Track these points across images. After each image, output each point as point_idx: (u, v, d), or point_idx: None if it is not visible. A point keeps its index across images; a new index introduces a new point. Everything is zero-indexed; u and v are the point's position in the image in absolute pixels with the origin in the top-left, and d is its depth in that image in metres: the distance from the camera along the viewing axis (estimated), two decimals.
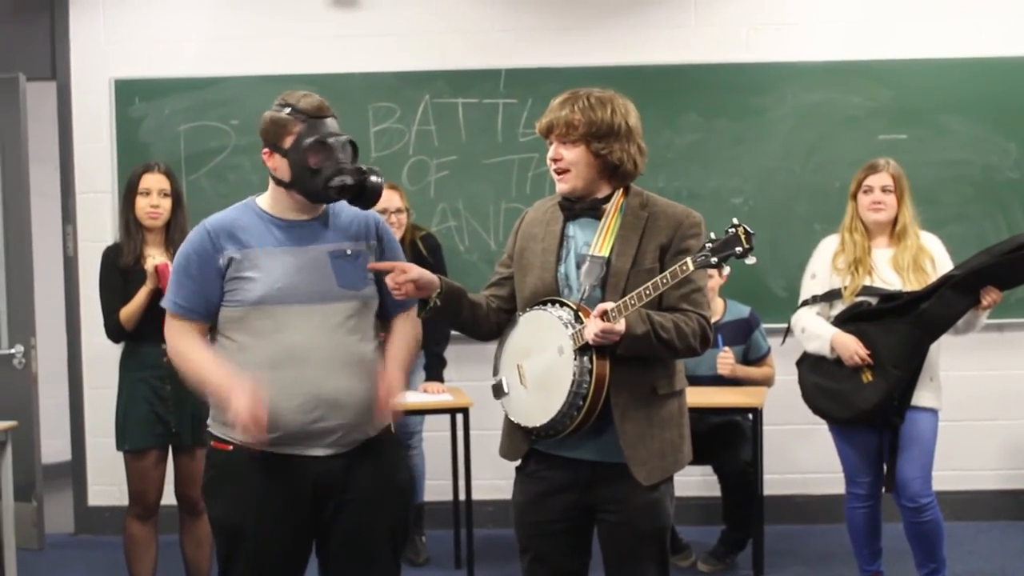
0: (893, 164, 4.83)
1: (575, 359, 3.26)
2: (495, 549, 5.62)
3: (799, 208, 6.31)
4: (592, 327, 3.19)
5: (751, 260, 3.17)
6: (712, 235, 3.20)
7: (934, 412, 4.75)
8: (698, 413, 5.25)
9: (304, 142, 3.25)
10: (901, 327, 4.61)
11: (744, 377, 5.58)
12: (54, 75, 6.50)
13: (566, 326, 3.28)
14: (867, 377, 4.65)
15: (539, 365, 3.36)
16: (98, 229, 6.34)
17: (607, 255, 3.32)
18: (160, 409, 4.76)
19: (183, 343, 3.36)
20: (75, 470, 6.58)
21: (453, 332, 4.98)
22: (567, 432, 3.31)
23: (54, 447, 6.76)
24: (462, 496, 5.52)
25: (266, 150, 3.33)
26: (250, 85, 6.38)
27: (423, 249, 5.67)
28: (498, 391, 3.47)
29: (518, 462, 3.49)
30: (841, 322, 4.72)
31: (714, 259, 3.16)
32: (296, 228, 3.34)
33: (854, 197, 4.85)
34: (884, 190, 4.78)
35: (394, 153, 6.40)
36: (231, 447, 3.33)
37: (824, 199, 6.16)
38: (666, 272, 3.19)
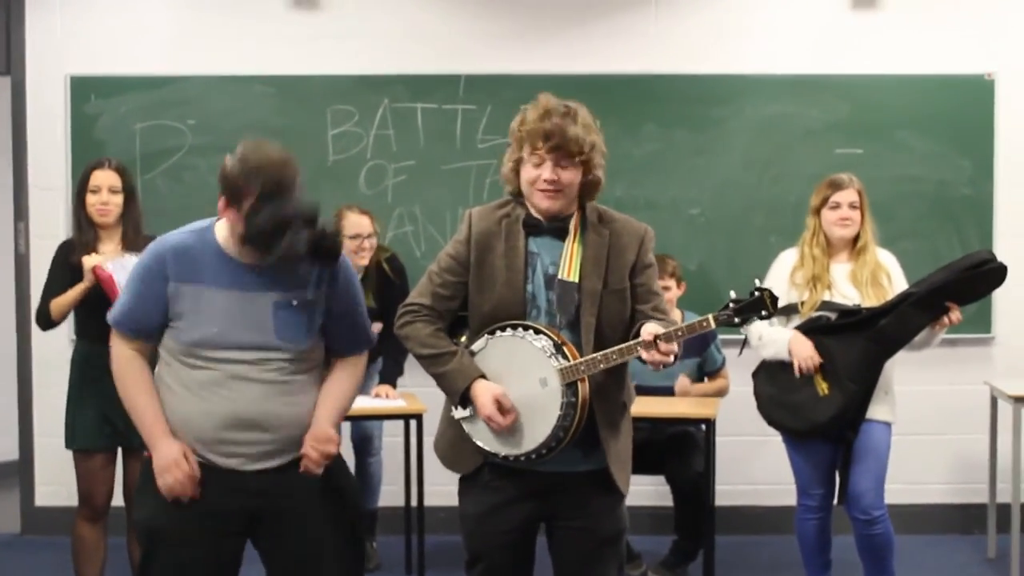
0: (857, 180, 4.85)
1: (563, 394, 3.25)
2: (445, 555, 5.60)
3: (756, 220, 6.34)
4: (654, 355, 3.18)
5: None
6: (734, 294, 3.33)
7: (888, 425, 4.77)
8: (651, 423, 5.29)
9: (262, 215, 3.13)
10: (859, 341, 4.63)
11: (700, 395, 5.60)
12: (8, 70, 6.44)
13: (551, 358, 3.25)
14: (823, 390, 4.66)
15: (517, 395, 3.31)
16: (50, 226, 6.27)
17: (577, 279, 3.31)
18: (109, 411, 4.68)
19: (122, 367, 3.35)
20: (22, 470, 6.50)
21: None
22: (542, 459, 3.30)
23: (1, 445, 6.67)
24: (414, 502, 5.50)
25: (222, 199, 3.21)
26: (208, 85, 6.35)
27: (388, 271, 5.70)
28: (463, 415, 3.40)
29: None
30: (781, 310, 4.70)
31: (736, 319, 3.29)
32: (247, 272, 3.26)
33: (817, 212, 4.86)
34: (851, 206, 4.79)
35: (352, 157, 6.37)
36: None
37: (780, 212, 6.19)
38: (678, 328, 3.23)
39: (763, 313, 3.31)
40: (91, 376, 4.72)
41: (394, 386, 5.65)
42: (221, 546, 3.32)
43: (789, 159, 6.35)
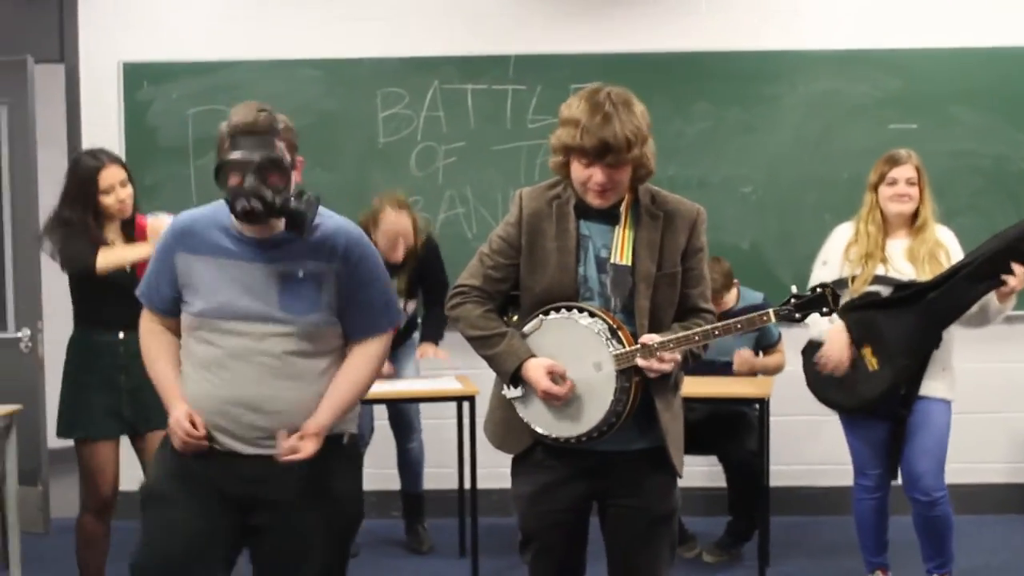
0: (915, 156, 4.78)
1: (616, 380, 3.24)
2: (499, 538, 5.61)
3: (808, 198, 6.29)
4: (651, 363, 3.20)
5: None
6: (795, 289, 3.35)
7: (947, 403, 4.71)
8: (705, 403, 5.27)
9: (221, 164, 3.17)
10: (909, 316, 4.58)
11: (761, 369, 5.59)
12: (62, 58, 6.49)
13: (606, 343, 3.24)
14: (872, 365, 4.62)
15: (570, 378, 3.30)
16: None
17: (630, 263, 3.30)
18: (114, 399, 4.59)
19: (145, 338, 3.45)
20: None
21: None
22: (593, 441, 3.30)
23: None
24: (467, 484, 5.52)
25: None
26: (259, 69, 6.38)
27: (423, 255, 5.74)
28: (517, 395, 3.39)
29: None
30: (850, 309, 4.67)
31: (797, 315, 3.32)
32: (250, 243, 3.25)
33: (874, 188, 4.80)
34: (909, 182, 4.73)
35: (402, 139, 6.38)
36: None
37: (833, 189, 6.13)
38: (737, 321, 3.29)
39: (824, 310, 3.32)
40: (93, 363, 4.61)
41: (437, 342, 5.68)
42: (215, 517, 3.28)
43: (841, 135, 6.29)
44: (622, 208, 3.32)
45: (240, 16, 6.45)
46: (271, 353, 3.23)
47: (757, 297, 5.69)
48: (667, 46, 6.35)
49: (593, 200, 3.29)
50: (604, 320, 3.26)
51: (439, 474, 5.99)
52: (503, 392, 3.41)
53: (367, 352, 3.37)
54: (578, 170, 3.26)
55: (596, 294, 3.33)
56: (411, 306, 5.75)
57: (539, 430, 3.36)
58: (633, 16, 6.41)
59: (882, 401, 4.64)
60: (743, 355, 5.58)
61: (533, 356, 3.31)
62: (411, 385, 5.60)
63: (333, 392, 3.31)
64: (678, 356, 3.25)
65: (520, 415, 3.39)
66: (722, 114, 6.36)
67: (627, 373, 3.24)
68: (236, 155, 3.13)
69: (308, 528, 3.30)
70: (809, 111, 6.33)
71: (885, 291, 4.68)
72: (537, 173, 6.27)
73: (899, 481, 4.78)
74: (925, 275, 4.64)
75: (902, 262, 4.71)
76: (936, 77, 6.29)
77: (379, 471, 5.94)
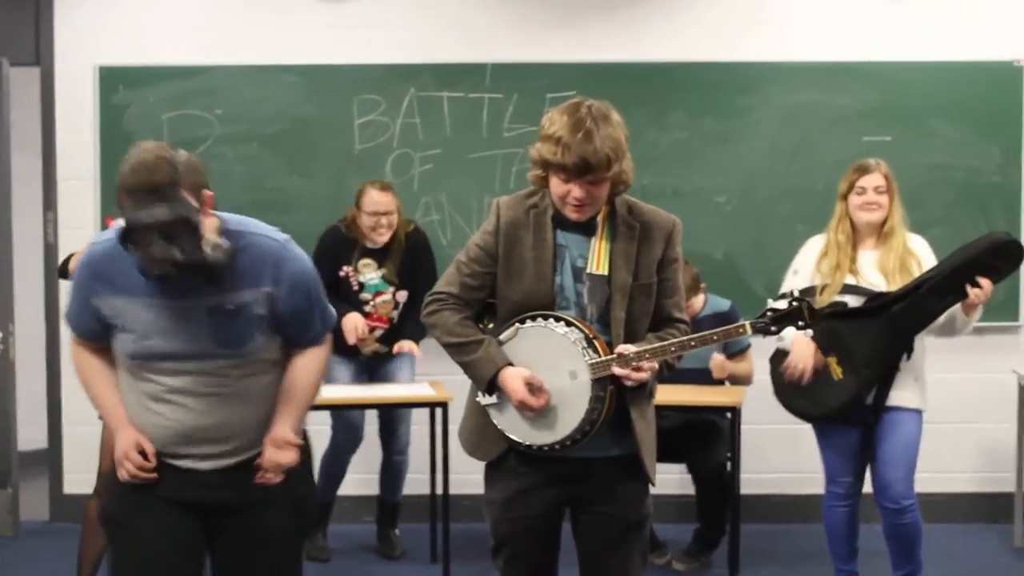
0: (884, 164, 4.82)
1: (591, 388, 3.26)
2: (471, 543, 5.61)
3: (783, 208, 6.32)
4: (628, 372, 3.22)
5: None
6: (771, 301, 3.39)
7: (918, 412, 4.75)
8: (676, 411, 5.29)
9: (127, 227, 2.98)
10: (874, 327, 4.62)
11: (732, 373, 5.61)
12: (38, 61, 6.47)
13: (582, 352, 3.25)
14: (837, 375, 4.65)
15: (545, 387, 3.31)
16: (79, 216, 6.31)
17: (607, 273, 3.32)
18: None
19: (79, 362, 3.31)
20: (51, 458, 6.55)
21: None
22: (567, 449, 3.31)
23: (31, 434, 6.71)
24: (440, 490, 5.52)
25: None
26: (236, 75, 6.38)
27: (409, 244, 5.78)
28: (492, 402, 3.39)
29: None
30: (820, 321, 4.68)
31: (773, 327, 3.35)
32: (174, 280, 3.05)
33: (844, 198, 4.84)
34: (877, 190, 4.76)
35: (378, 146, 6.39)
36: None
37: (808, 200, 6.16)
38: (713, 332, 3.32)
39: (800, 323, 3.34)
40: None
41: (417, 343, 5.70)
42: (177, 530, 3.23)
43: (817, 147, 6.33)
44: (599, 219, 3.34)
45: (218, 21, 6.45)
46: (215, 384, 3.16)
47: (724, 304, 5.72)
48: (643, 56, 6.38)
49: (571, 214, 3.30)
50: (580, 329, 3.28)
51: (412, 479, 5.99)
52: (478, 399, 3.42)
53: (313, 357, 3.33)
54: (557, 185, 3.27)
55: (572, 303, 3.34)
56: (401, 296, 5.75)
57: (513, 437, 3.37)
58: (610, 26, 6.43)
59: (847, 411, 4.67)
60: (718, 360, 5.60)
61: (510, 364, 3.32)
62: (383, 391, 5.61)
63: (290, 399, 3.28)
64: (655, 365, 3.28)
65: (494, 422, 3.40)
66: (697, 124, 6.38)
67: (602, 382, 3.26)
68: (139, 218, 2.93)
69: (271, 530, 3.28)
70: (784, 122, 6.36)
71: (854, 301, 4.70)
72: (513, 181, 6.28)
73: (869, 489, 4.81)
74: (896, 286, 4.67)
75: (873, 273, 4.74)
76: (912, 90, 6.33)
77: (354, 476, 5.95)
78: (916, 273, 4.70)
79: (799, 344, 4.64)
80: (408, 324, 5.74)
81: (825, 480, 4.91)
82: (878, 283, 4.71)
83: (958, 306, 4.60)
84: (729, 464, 5.43)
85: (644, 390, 3.36)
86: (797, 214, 6.18)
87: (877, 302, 4.64)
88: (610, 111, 3.26)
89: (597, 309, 3.32)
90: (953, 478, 6.44)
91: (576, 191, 3.24)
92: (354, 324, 5.58)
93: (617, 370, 3.23)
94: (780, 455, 6.33)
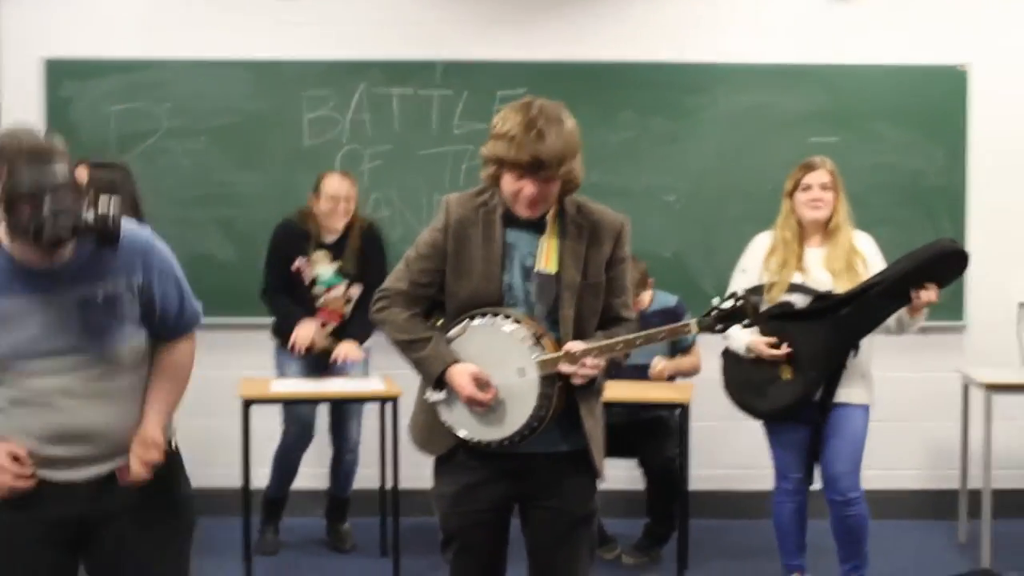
0: (829, 162, 4.88)
1: (539, 385, 3.27)
2: (420, 537, 5.61)
3: (731, 208, 6.36)
4: (576, 369, 3.25)
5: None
6: (716, 301, 3.38)
7: (865, 408, 4.81)
8: (625, 408, 5.32)
9: (10, 192, 2.83)
10: (821, 329, 4.67)
11: (674, 373, 5.64)
12: None
13: (530, 349, 3.27)
14: (786, 375, 4.71)
15: (493, 383, 3.32)
16: None
17: (556, 271, 3.33)
18: None
19: None
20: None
21: None
22: (515, 446, 3.33)
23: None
24: (389, 485, 5.52)
25: None
26: (184, 69, 6.35)
27: (366, 239, 5.77)
28: (440, 398, 3.39)
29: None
30: (765, 319, 4.74)
31: (719, 326, 3.38)
32: (42, 274, 2.97)
33: (790, 195, 4.88)
34: (823, 187, 4.81)
35: (328, 141, 6.38)
36: None
37: (756, 200, 6.19)
38: (660, 330, 3.37)
39: (745, 322, 3.39)
40: None
41: (360, 344, 5.68)
42: (50, 556, 3.08)
43: (764, 148, 6.37)
44: (548, 217, 3.35)
45: (166, 15, 6.40)
46: (86, 383, 3.03)
47: (671, 300, 5.75)
48: (593, 56, 6.41)
49: (523, 211, 3.31)
50: (528, 326, 3.29)
51: (362, 473, 5.97)
52: (427, 396, 3.42)
53: (180, 351, 3.22)
54: (509, 183, 3.28)
55: (521, 302, 3.35)
56: (355, 290, 5.72)
57: (462, 434, 3.38)
58: (561, 25, 6.45)
59: (794, 409, 4.73)
60: (658, 367, 5.63)
61: (458, 361, 3.33)
62: (334, 386, 5.59)
63: (158, 397, 3.16)
64: (602, 363, 3.30)
65: (443, 419, 3.40)
66: (646, 124, 6.42)
67: (550, 379, 3.27)
68: (26, 183, 2.82)
69: (153, 539, 3.16)
70: (732, 123, 6.41)
71: (802, 300, 4.75)
72: (462, 178, 6.29)
73: (817, 486, 4.86)
74: (843, 285, 4.72)
75: (819, 271, 4.78)
76: (857, 93, 6.41)
77: (305, 470, 5.93)
78: (862, 271, 4.75)
79: (756, 346, 4.73)
80: (356, 322, 5.72)
81: (775, 476, 4.96)
82: (825, 281, 4.76)
83: (904, 308, 4.67)
84: (678, 460, 5.46)
85: (592, 386, 3.38)
86: (745, 214, 6.20)
87: (824, 303, 4.69)
88: (562, 110, 3.28)
89: (546, 307, 3.34)
90: (900, 475, 6.52)
91: (528, 188, 3.25)
92: (303, 335, 5.57)
93: (565, 367, 3.25)
94: (729, 451, 6.38)
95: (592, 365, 3.27)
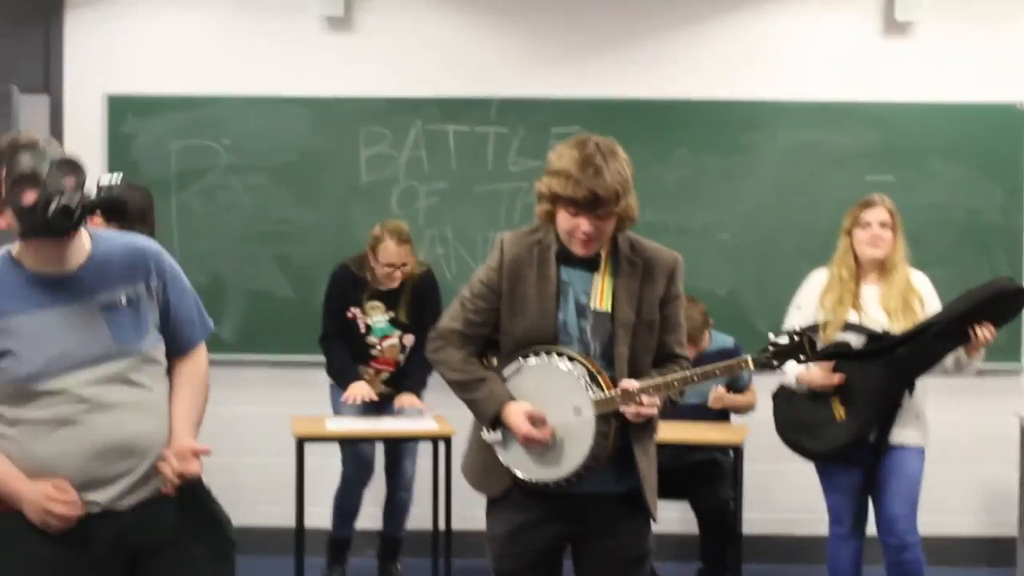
0: (888, 200, 4.86)
1: (596, 424, 3.27)
2: None
3: (786, 246, 6.34)
4: (633, 408, 3.25)
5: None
6: (773, 336, 3.40)
7: (920, 450, 4.76)
8: (678, 449, 5.29)
9: (13, 184, 2.87)
10: (877, 369, 4.63)
11: (731, 405, 5.63)
12: (47, 88, 6.51)
13: (586, 388, 3.27)
14: (840, 415, 4.67)
15: (550, 422, 3.32)
16: None
17: (610, 309, 3.34)
18: None
19: None
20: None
21: None
22: (572, 486, 3.32)
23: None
24: (442, 525, 5.51)
25: None
26: (243, 105, 6.42)
27: (421, 287, 5.73)
28: (496, 438, 3.40)
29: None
30: (821, 358, 4.72)
31: (775, 362, 3.39)
32: (61, 283, 2.98)
33: (848, 233, 4.86)
34: (882, 225, 4.80)
35: (384, 179, 6.42)
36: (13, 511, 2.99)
37: (811, 238, 6.17)
38: (716, 366, 3.38)
39: (801, 357, 3.39)
40: None
41: (419, 396, 5.67)
42: None
43: (819, 185, 6.35)
44: (602, 255, 3.36)
45: (227, 52, 6.49)
46: (120, 392, 3.00)
47: (728, 341, 5.74)
48: (648, 93, 6.42)
49: (578, 249, 3.33)
50: (584, 365, 3.29)
51: (414, 514, 5.96)
52: (483, 436, 3.42)
53: (197, 363, 3.21)
54: (565, 219, 3.30)
55: (575, 340, 3.35)
56: (408, 339, 5.72)
57: (519, 474, 3.37)
58: (615, 63, 6.47)
59: (848, 450, 4.68)
60: (718, 392, 5.63)
61: (513, 400, 3.33)
62: (388, 424, 5.59)
63: (185, 409, 3.13)
64: (658, 401, 3.29)
65: (500, 459, 3.40)
66: (701, 161, 6.41)
67: (606, 418, 3.27)
68: (25, 165, 2.88)
69: (199, 559, 3.14)
70: (787, 160, 6.40)
71: (857, 340, 4.72)
72: (518, 215, 6.31)
73: (872, 531, 4.82)
74: (899, 324, 4.68)
75: (876, 310, 4.75)
76: (914, 130, 6.37)
77: (361, 510, 5.94)
78: (918, 310, 4.72)
79: (806, 378, 4.70)
80: (412, 373, 5.70)
81: (829, 520, 4.91)
82: (880, 320, 4.73)
83: (962, 348, 4.63)
84: (732, 502, 5.43)
85: (647, 426, 3.38)
86: (800, 252, 6.19)
87: (880, 344, 4.66)
88: (616, 147, 3.30)
89: (600, 345, 3.34)
90: (954, 521, 6.43)
91: (584, 225, 3.26)
92: (356, 393, 5.56)
93: (622, 407, 3.25)
94: (784, 494, 6.32)
95: (649, 403, 3.26)
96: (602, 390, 3.27)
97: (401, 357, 5.73)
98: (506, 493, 3.43)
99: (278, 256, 6.45)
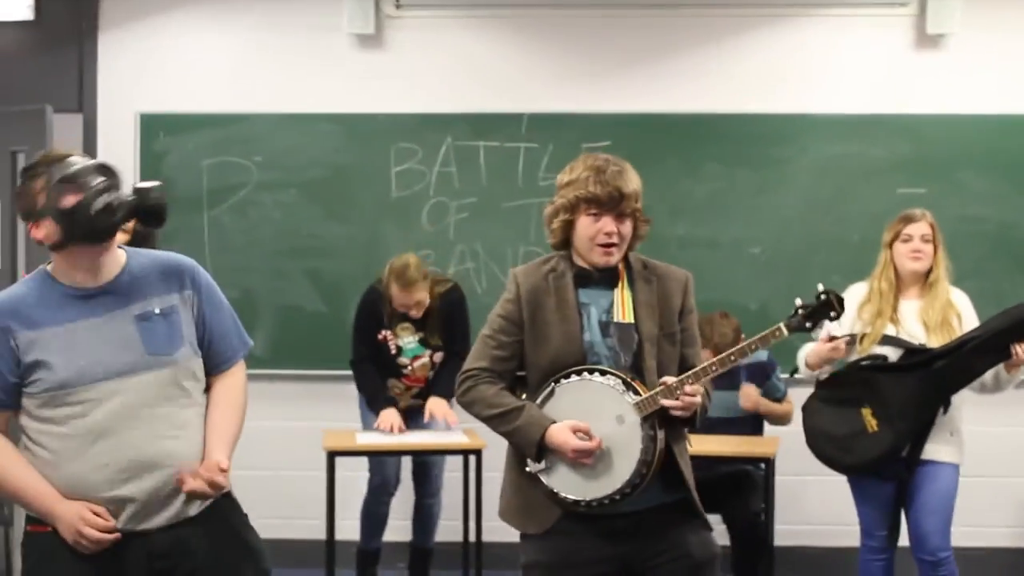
0: (929, 215, 4.83)
1: (641, 428, 3.24)
2: None
3: (817, 259, 6.32)
4: (676, 401, 3.20)
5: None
6: (799, 300, 3.38)
7: (954, 467, 4.71)
8: (709, 461, 5.27)
9: (52, 190, 2.94)
10: (913, 381, 4.59)
11: (765, 412, 5.60)
12: (81, 107, 6.57)
13: (624, 395, 3.24)
14: (872, 427, 4.63)
15: (595, 434, 3.28)
16: None
17: (633, 322, 3.33)
18: None
19: None
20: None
21: None
22: (627, 498, 3.27)
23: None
24: (472, 537, 5.51)
25: (30, 225, 3.03)
26: (274, 123, 6.46)
27: (451, 304, 5.70)
28: (539, 469, 3.34)
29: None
30: (856, 369, 4.70)
31: (808, 323, 3.35)
32: (95, 296, 3.03)
33: (889, 246, 4.84)
34: (924, 239, 4.77)
35: (415, 194, 6.44)
36: (51, 528, 2.99)
37: (843, 251, 6.16)
38: (751, 341, 3.32)
39: (832, 314, 3.36)
40: None
41: (448, 401, 5.62)
42: None
43: (851, 198, 6.33)
44: (619, 270, 3.38)
45: (258, 70, 6.54)
46: (153, 405, 3.02)
47: (762, 354, 5.70)
48: (678, 107, 6.42)
49: (599, 259, 3.32)
50: (617, 376, 3.27)
51: (444, 526, 5.97)
52: (528, 468, 3.35)
53: (236, 381, 3.22)
54: (586, 225, 3.30)
55: (604, 358, 3.33)
56: (439, 357, 5.72)
57: (571, 497, 3.29)
58: (645, 77, 6.48)
59: (880, 463, 4.64)
60: (747, 389, 5.60)
61: (554, 422, 3.29)
62: (418, 438, 5.60)
63: (220, 426, 3.14)
64: (700, 388, 3.25)
65: (548, 485, 3.32)
66: (732, 175, 6.41)
67: (650, 420, 3.23)
68: (65, 171, 2.96)
69: None
70: (819, 174, 6.38)
71: (894, 353, 4.69)
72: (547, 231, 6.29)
73: (905, 543, 4.78)
74: (936, 339, 4.65)
75: (914, 324, 4.72)
76: (946, 143, 6.34)
77: (388, 522, 5.94)
78: (956, 327, 4.69)
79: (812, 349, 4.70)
80: (440, 380, 5.67)
81: (861, 533, 4.88)
82: (918, 334, 4.69)
83: (1001, 364, 4.59)
84: (764, 515, 5.40)
85: (683, 439, 3.36)
86: (832, 265, 6.16)
87: (917, 358, 4.63)
88: (626, 163, 3.37)
89: (629, 357, 3.32)
90: (990, 532, 6.38)
91: (608, 225, 3.28)
92: (389, 423, 5.54)
93: (666, 401, 3.21)
94: (816, 506, 6.29)
95: (692, 391, 3.22)
96: (639, 395, 3.25)
97: (431, 374, 5.73)
98: (555, 525, 3.34)
99: (309, 271, 6.48)
